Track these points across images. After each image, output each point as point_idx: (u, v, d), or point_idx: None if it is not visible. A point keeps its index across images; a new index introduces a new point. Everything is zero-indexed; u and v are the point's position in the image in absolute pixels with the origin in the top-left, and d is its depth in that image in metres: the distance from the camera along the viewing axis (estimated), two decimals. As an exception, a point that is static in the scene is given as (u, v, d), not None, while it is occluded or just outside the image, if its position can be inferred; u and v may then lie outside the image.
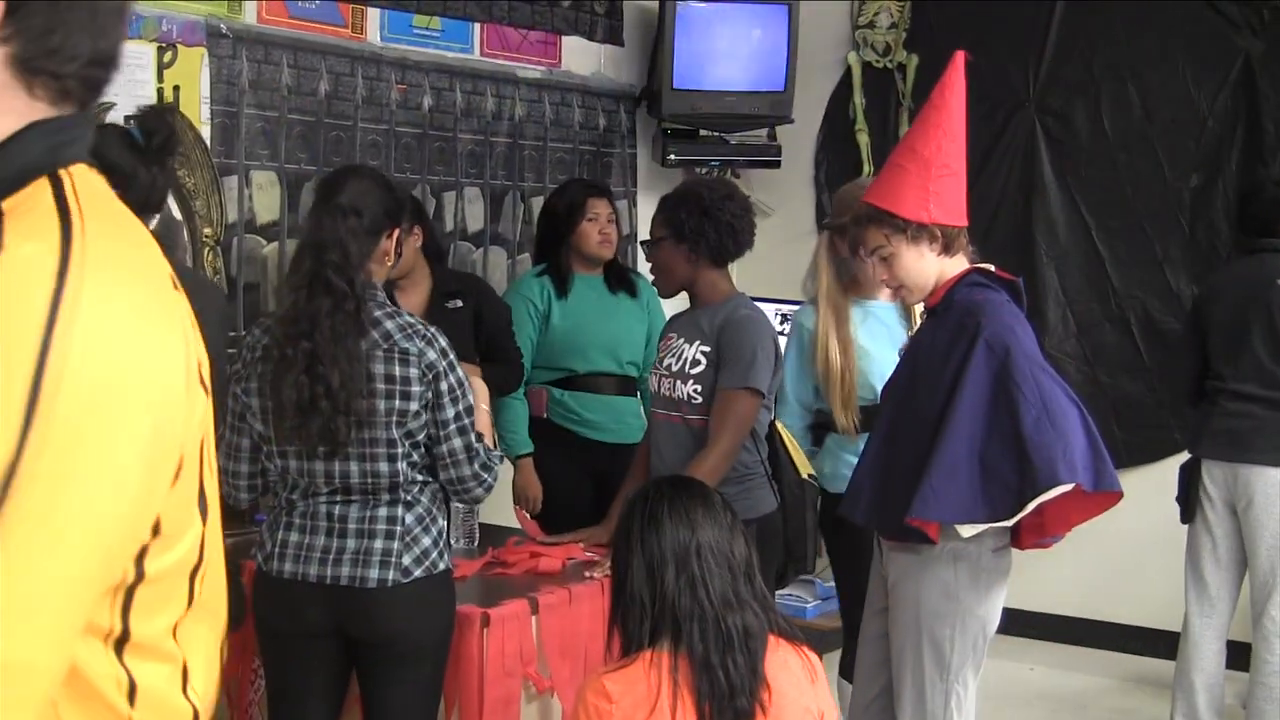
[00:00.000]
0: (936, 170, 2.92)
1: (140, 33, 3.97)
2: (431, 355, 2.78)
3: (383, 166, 4.55)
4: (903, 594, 2.97)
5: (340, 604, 2.78)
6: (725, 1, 5.55)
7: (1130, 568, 5.15)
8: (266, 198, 4.36)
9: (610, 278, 4.42)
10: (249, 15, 4.27)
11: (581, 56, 5.46)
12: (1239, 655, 4.29)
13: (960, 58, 2.98)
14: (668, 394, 3.49)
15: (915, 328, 3.49)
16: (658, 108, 5.50)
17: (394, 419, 2.74)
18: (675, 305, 3.78)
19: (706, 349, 3.41)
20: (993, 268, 3.02)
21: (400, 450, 2.77)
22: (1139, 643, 5.17)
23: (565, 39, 5.39)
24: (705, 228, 3.41)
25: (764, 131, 5.79)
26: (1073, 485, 2.72)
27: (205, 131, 4.14)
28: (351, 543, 2.78)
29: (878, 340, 3.77)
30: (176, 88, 4.07)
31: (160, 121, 2.80)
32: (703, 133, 5.66)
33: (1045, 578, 4.76)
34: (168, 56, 4.04)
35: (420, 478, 2.84)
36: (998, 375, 2.77)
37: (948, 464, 2.76)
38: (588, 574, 3.33)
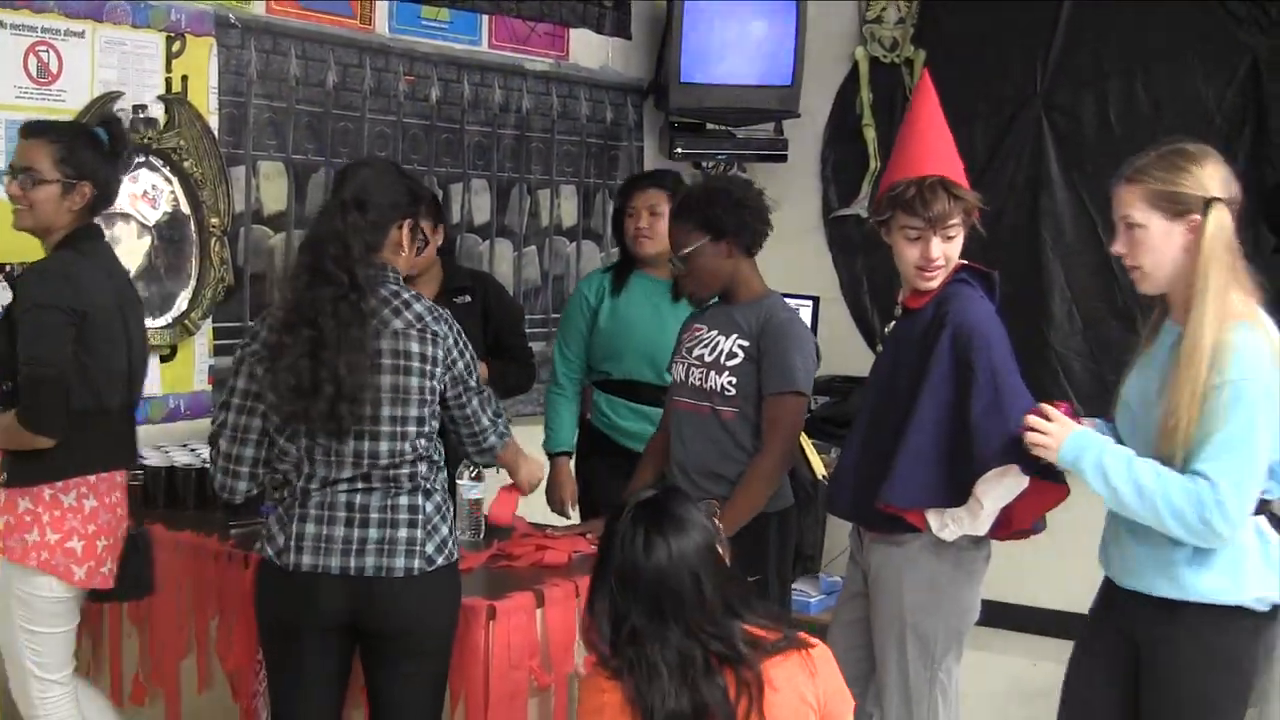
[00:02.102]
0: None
1: (149, 22, 3.97)
2: (451, 337, 2.91)
3: (390, 158, 4.55)
4: (885, 586, 2.98)
5: (361, 595, 2.78)
6: (733, -4, 5.55)
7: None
8: (274, 188, 4.37)
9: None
10: (257, 6, 4.28)
11: (589, 49, 5.46)
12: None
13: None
14: (697, 384, 3.41)
15: None
16: (665, 101, 5.49)
17: (425, 396, 2.84)
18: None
19: (745, 343, 3.34)
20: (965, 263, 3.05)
21: (427, 429, 2.86)
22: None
23: (573, 32, 5.39)
24: (745, 218, 3.37)
25: (771, 126, 5.77)
26: (1007, 469, 2.72)
27: (213, 122, 4.14)
28: (374, 532, 2.79)
29: None
30: (185, 78, 4.07)
31: (119, 127, 3.29)
32: (709, 126, 5.65)
33: (1050, 573, 4.76)
34: (176, 46, 4.04)
35: (436, 458, 2.90)
36: (958, 363, 2.81)
37: (913, 450, 2.82)
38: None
